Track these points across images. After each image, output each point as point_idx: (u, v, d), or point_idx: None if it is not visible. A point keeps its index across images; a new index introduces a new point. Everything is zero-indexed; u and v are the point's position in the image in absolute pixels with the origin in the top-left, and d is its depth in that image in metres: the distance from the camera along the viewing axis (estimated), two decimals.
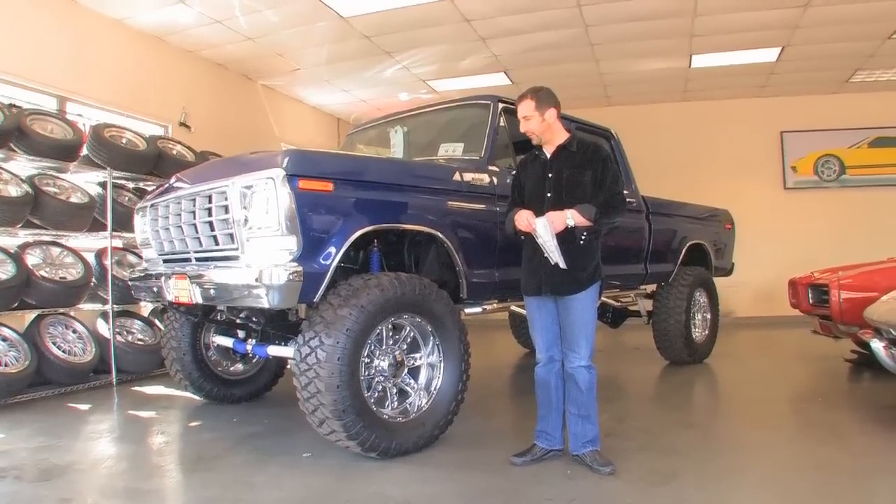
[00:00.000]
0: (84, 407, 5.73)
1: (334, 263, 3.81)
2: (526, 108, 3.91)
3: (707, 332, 7.74)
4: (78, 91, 7.60)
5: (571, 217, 3.70)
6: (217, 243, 4.11)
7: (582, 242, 3.77)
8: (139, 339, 7.00)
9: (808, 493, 3.38)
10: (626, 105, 12.46)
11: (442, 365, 4.28)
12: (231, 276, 3.88)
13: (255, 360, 5.84)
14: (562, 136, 3.95)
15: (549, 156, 3.98)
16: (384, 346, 4.06)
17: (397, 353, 4.14)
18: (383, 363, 4.06)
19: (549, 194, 3.87)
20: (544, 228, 3.69)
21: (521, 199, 4.02)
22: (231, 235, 3.97)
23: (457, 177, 4.74)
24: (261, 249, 3.83)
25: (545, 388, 3.95)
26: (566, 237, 3.74)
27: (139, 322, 7.18)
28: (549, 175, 3.92)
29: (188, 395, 5.72)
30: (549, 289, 3.83)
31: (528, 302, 4.03)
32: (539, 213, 3.77)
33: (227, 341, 5.16)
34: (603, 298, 6.82)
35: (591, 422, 3.80)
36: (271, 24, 8.50)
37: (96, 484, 3.77)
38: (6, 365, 5.66)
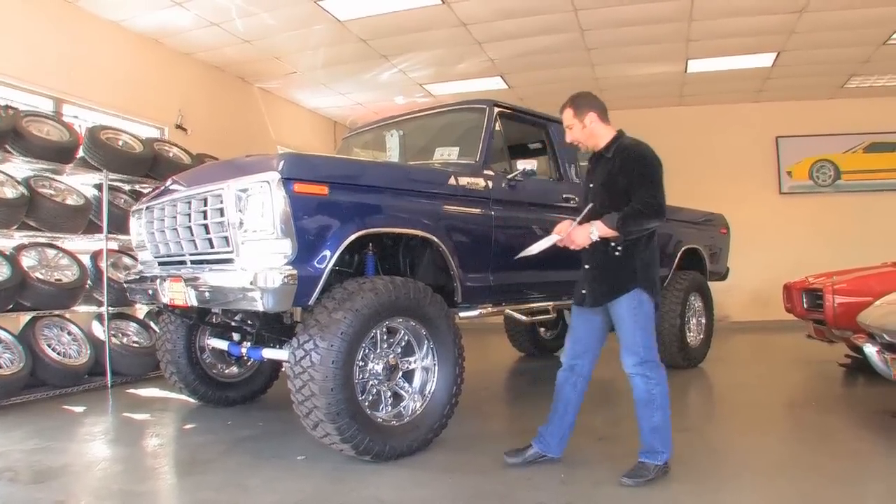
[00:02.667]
0: (79, 409, 5.72)
1: (329, 267, 3.82)
2: (566, 118, 3.86)
3: (702, 336, 7.74)
4: (74, 93, 7.60)
5: (596, 230, 3.62)
6: (212, 246, 4.12)
7: (618, 254, 3.66)
8: (134, 342, 6.99)
9: (802, 497, 3.39)
10: (622, 109, 12.39)
11: (436, 368, 4.28)
12: (226, 279, 3.88)
13: (249, 363, 5.83)
14: (605, 140, 3.83)
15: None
16: (378, 350, 4.07)
17: (391, 356, 4.15)
18: (378, 366, 4.07)
19: (590, 204, 3.80)
20: (552, 239, 3.83)
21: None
22: (226, 238, 3.98)
23: (452, 181, 4.75)
24: (256, 252, 3.83)
25: (558, 392, 3.95)
26: (600, 249, 3.71)
27: (134, 324, 7.17)
28: (591, 185, 3.89)
29: (183, 397, 5.72)
30: (590, 300, 3.80)
31: (572, 309, 4.03)
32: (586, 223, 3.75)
33: (221, 344, 5.16)
34: None
35: (645, 432, 3.67)
36: (268, 28, 8.51)
37: (90, 486, 3.76)
38: (1, 367, 5.65)
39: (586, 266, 3.84)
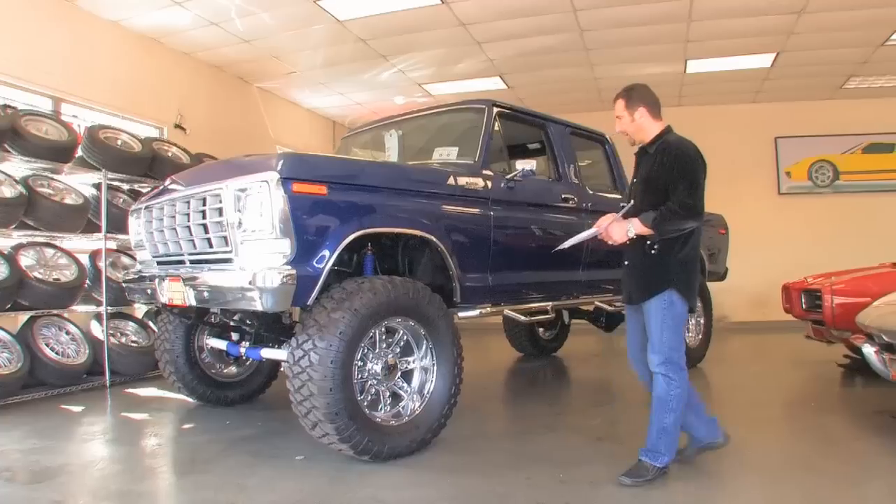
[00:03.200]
0: (77, 409, 5.71)
1: (328, 267, 3.82)
2: (617, 108, 3.84)
3: (700, 336, 7.74)
4: (73, 92, 7.59)
5: (633, 228, 3.61)
6: (211, 246, 4.11)
7: (654, 252, 3.63)
8: (133, 341, 6.99)
9: (801, 497, 3.39)
10: None
11: (435, 368, 4.29)
12: (225, 279, 3.89)
13: (248, 363, 5.83)
14: (652, 135, 3.81)
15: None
16: (377, 350, 4.07)
17: (390, 356, 4.15)
18: (376, 366, 4.07)
19: (632, 200, 3.82)
20: (591, 233, 3.86)
21: None
22: (225, 238, 3.97)
23: (451, 181, 4.76)
24: (254, 252, 3.83)
25: (648, 387, 3.89)
26: (638, 247, 3.69)
27: (133, 324, 7.17)
28: (634, 180, 3.89)
29: (181, 397, 5.71)
30: (626, 297, 3.85)
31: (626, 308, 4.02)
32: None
33: (220, 344, 5.16)
34: (596, 303, 6.83)
35: (653, 431, 3.63)
36: (267, 27, 8.50)
37: (89, 486, 3.76)
38: None
39: (626, 263, 3.85)
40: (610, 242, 3.74)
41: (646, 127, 3.79)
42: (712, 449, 3.93)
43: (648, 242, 3.63)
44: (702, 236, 3.83)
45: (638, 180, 3.82)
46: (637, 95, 3.80)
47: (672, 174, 3.57)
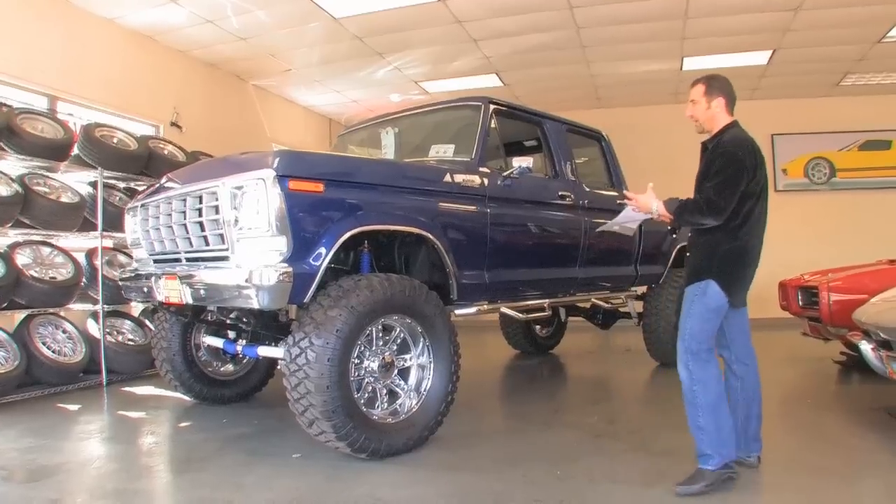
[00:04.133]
0: (74, 407, 5.71)
1: (324, 264, 3.81)
2: (695, 92, 3.79)
3: None
4: (69, 90, 7.57)
5: (657, 208, 3.67)
6: (207, 244, 4.11)
7: (674, 236, 3.60)
8: (129, 340, 6.98)
9: (797, 494, 3.39)
10: (618, 107, 12.48)
11: (432, 366, 4.29)
12: (221, 277, 3.88)
13: (245, 361, 5.83)
14: (717, 128, 3.77)
15: None
16: (374, 347, 4.07)
17: (387, 354, 4.15)
18: (373, 364, 4.06)
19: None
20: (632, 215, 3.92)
21: None
22: (221, 236, 3.97)
23: (448, 178, 4.75)
24: (251, 250, 3.83)
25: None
26: (695, 240, 3.75)
27: (129, 322, 7.16)
28: (697, 175, 3.79)
29: (178, 395, 5.70)
30: (684, 281, 3.81)
31: None
32: None
33: (217, 342, 5.15)
34: (594, 300, 6.83)
35: (692, 430, 3.50)
36: (263, 25, 8.49)
37: (85, 485, 3.76)
38: None
39: (688, 253, 3.87)
40: (635, 206, 3.82)
41: (718, 118, 3.76)
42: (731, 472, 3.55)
43: (670, 228, 3.64)
44: (758, 236, 3.72)
45: (697, 176, 3.75)
46: (718, 85, 3.78)
47: (710, 170, 3.56)
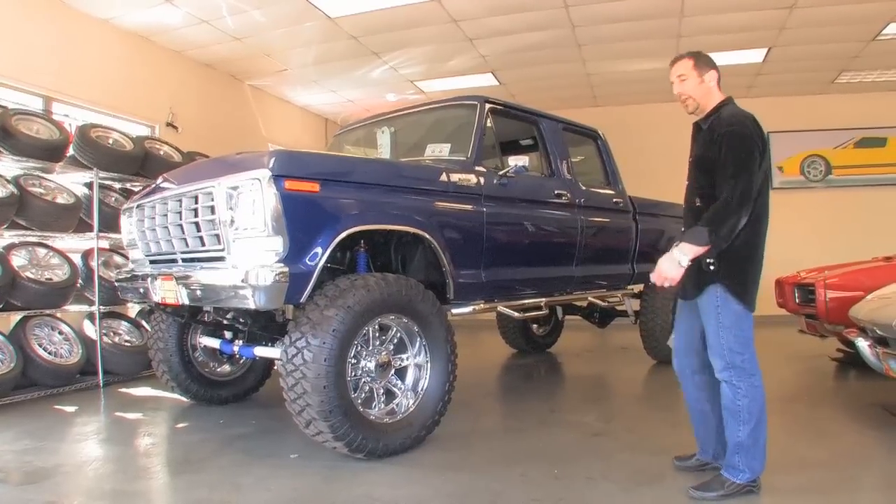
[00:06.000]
0: (70, 409, 5.69)
1: (321, 264, 3.81)
2: (682, 67, 3.46)
3: None
4: (64, 91, 7.56)
5: (684, 256, 3.17)
6: (203, 244, 4.10)
7: (713, 269, 3.25)
8: (126, 341, 6.97)
9: (794, 492, 3.39)
10: (614, 106, 12.49)
11: (429, 365, 4.28)
12: (217, 277, 3.87)
13: (242, 362, 5.82)
14: (711, 105, 3.47)
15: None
16: (371, 347, 4.07)
17: (384, 353, 4.14)
18: (370, 364, 4.06)
19: (686, 182, 3.52)
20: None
21: None
22: (217, 236, 3.97)
23: (444, 177, 4.75)
24: (247, 250, 3.82)
25: (685, 395, 3.67)
26: (690, 224, 3.35)
27: (126, 323, 7.14)
28: (690, 160, 3.50)
29: (175, 396, 5.69)
30: (682, 291, 3.52)
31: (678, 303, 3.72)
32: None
33: (213, 342, 5.15)
34: (590, 298, 6.83)
35: (729, 446, 3.32)
36: (258, 25, 8.48)
37: (82, 486, 3.75)
38: None
39: None
40: (667, 285, 3.28)
41: (713, 93, 3.47)
42: (708, 469, 3.58)
43: (707, 261, 3.24)
44: (763, 225, 3.42)
45: (692, 161, 3.47)
46: (706, 58, 3.49)
47: (720, 155, 3.21)
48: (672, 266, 3.20)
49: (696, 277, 3.32)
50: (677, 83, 3.51)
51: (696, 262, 3.25)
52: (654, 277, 3.32)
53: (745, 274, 3.30)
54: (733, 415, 3.28)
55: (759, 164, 3.20)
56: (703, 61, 3.48)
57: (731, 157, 3.17)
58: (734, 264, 3.27)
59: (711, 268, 3.24)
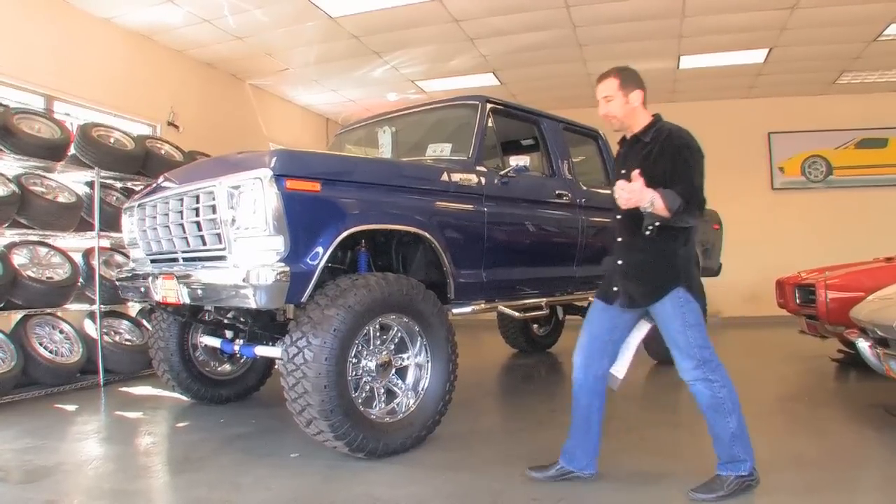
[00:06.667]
0: (71, 408, 5.70)
1: (322, 264, 3.81)
2: (608, 87, 3.45)
3: None
4: (65, 90, 7.56)
5: (653, 199, 3.10)
6: (204, 243, 4.10)
7: (648, 233, 3.25)
8: (126, 340, 6.97)
9: (794, 492, 3.39)
10: None
11: (429, 365, 4.28)
12: (218, 277, 3.87)
13: (242, 361, 5.83)
14: (643, 123, 3.46)
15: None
16: (372, 347, 4.06)
17: (385, 353, 4.14)
18: (371, 363, 4.06)
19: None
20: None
21: None
22: (218, 235, 3.97)
23: (445, 177, 4.75)
24: (248, 249, 3.83)
25: (574, 399, 3.62)
26: (637, 245, 3.37)
27: (126, 322, 7.14)
28: (622, 172, 3.41)
29: (175, 395, 5.70)
30: (625, 300, 3.41)
31: (593, 304, 3.66)
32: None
33: (214, 341, 5.15)
34: (591, 298, 6.81)
35: (723, 441, 3.32)
36: (260, 24, 8.48)
37: (83, 485, 3.75)
38: None
39: (619, 262, 3.46)
40: (620, 200, 3.21)
41: (639, 112, 3.47)
42: (571, 478, 3.55)
43: (646, 224, 3.23)
44: (695, 234, 3.50)
45: (628, 172, 3.30)
46: (632, 77, 3.48)
47: (677, 163, 3.22)
48: (642, 196, 3.11)
49: (655, 282, 3.33)
50: (603, 103, 3.50)
51: (650, 270, 3.34)
52: (620, 191, 3.22)
53: (696, 277, 3.41)
54: (717, 409, 3.31)
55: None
56: (628, 81, 3.47)
57: (688, 167, 3.23)
58: (689, 267, 3.37)
59: (647, 233, 3.25)
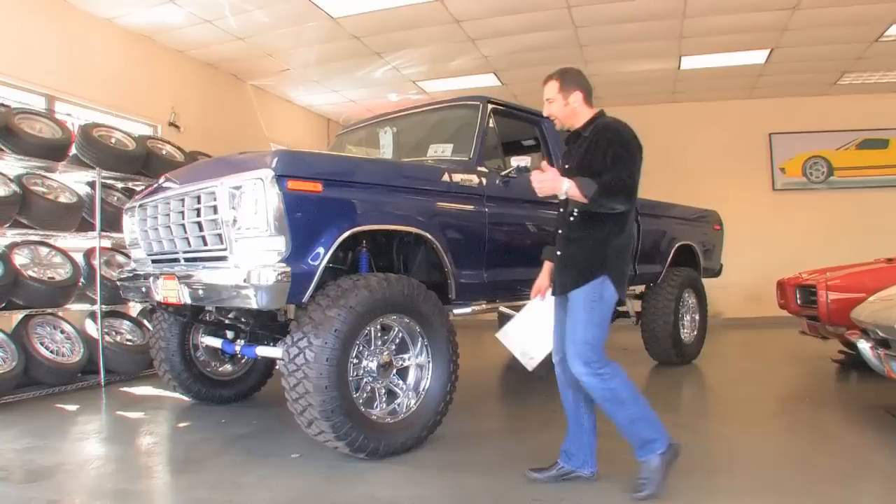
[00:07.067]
0: (72, 408, 5.70)
1: (323, 264, 3.81)
2: (549, 90, 3.57)
3: (695, 332, 7.76)
4: (67, 90, 7.56)
5: (567, 186, 3.25)
6: (206, 244, 4.10)
7: (572, 219, 3.42)
8: (127, 340, 6.98)
9: (796, 493, 3.39)
10: (615, 106, 12.27)
11: (430, 365, 4.28)
12: (219, 277, 3.88)
13: (243, 361, 5.83)
14: (584, 119, 3.55)
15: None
16: (373, 347, 4.07)
17: (386, 353, 4.14)
18: (372, 364, 4.06)
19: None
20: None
21: None
22: (220, 236, 3.97)
23: (445, 177, 4.75)
24: (249, 250, 3.83)
25: (562, 397, 3.64)
26: (565, 220, 3.49)
27: (128, 322, 7.15)
28: (566, 166, 3.53)
29: (176, 395, 5.70)
30: (558, 287, 3.55)
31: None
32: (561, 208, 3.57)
33: (215, 342, 5.14)
34: None
35: (626, 427, 3.40)
36: (261, 25, 8.49)
37: (84, 485, 3.75)
38: None
39: (558, 252, 3.56)
40: (536, 189, 3.40)
41: (578, 112, 3.55)
42: (572, 478, 3.59)
43: (571, 213, 3.43)
44: (633, 224, 3.62)
45: (571, 165, 3.49)
46: (573, 79, 3.57)
47: (608, 153, 3.33)
48: (555, 182, 3.30)
49: (580, 269, 3.41)
50: (546, 105, 3.64)
51: (578, 257, 3.43)
52: (535, 181, 3.40)
53: (624, 269, 3.49)
54: (612, 400, 3.36)
55: (639, 168, 3.40)
56: (569, 83, 3.56)
57: (619, 157, 3.32)
58: (617, 260, 3.43)
59: (571, 218, 3.43)
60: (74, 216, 6.66)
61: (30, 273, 6.09)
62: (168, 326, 5.41)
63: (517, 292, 5.54)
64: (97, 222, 6.67)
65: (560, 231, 3.59)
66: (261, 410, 5.50)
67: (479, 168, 5.06)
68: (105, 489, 3.66)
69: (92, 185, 6.83)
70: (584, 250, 3.43)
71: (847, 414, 5.19)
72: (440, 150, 5.26)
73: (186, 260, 4.36)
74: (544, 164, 3.38)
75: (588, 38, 9.20)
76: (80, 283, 6.60)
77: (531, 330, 3.81)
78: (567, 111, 3.57)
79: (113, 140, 7.12)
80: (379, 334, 4.11)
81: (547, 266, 3.77)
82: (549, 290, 3.72)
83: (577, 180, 3.26)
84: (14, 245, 6.23)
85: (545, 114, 3.70)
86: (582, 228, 3.44)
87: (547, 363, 3.78)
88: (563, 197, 3.36)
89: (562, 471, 3.59)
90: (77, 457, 4.32)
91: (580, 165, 3.45)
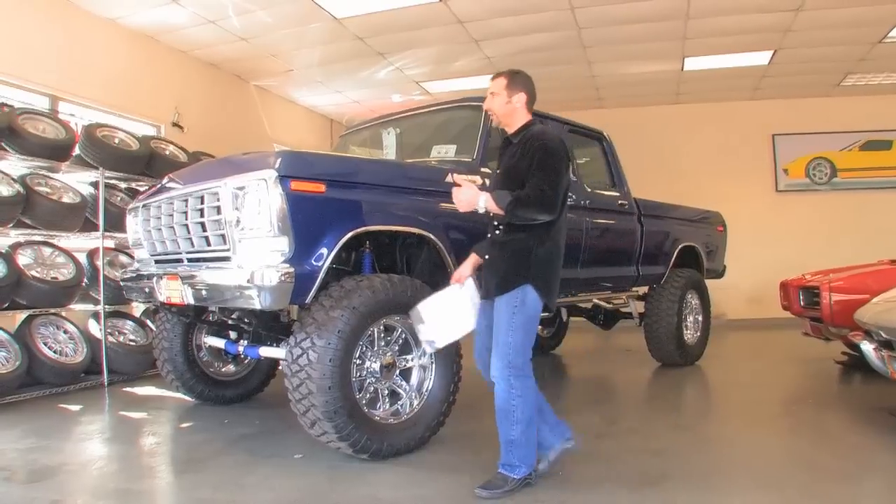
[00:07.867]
0: (75, 408, 5.71)
1: (326, 265, 3.81)
2: (496, 85, 3.63)
3: (699, 334, 7.76)
4: (70, 90, 7.57)
5: (484, 202, 3.39)
6: (209, 244, 4.11)
7: (497, 227, 3.51)
8: (131, 340, 6.98)
9: (799, 494, 3.38)
10: (619, 107, 12.47)
11: (433, 367, 4.28)
12: (223, 277, 3.88)
13: (246, 362, 5.83)
14: (518, 124, 3.65)
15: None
16: (376, 348, 4.07)
17: (389, 354, 4.15)
18: (375, 364, 4.06)
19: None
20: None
21: None
22: (223, 236, 3.97)
23: (449, 178, 4.74)
24: (252, 250, 3.83)
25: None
26: (489, 223, 3.60)
27: (131, 322, 7.16)
28: (497, 171, 3.71)
29: (179, 395, 5.70)
30: (483, 291, 3.66)
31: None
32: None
33: (218, 342, 5.15)
34: (595, 300, 6.82)
35: (503, 444, 3.48)
36: (264, 25, 8.49)
37: (87, 485, 3.76)
38: None
39: (486, 256, 3.63)
40: (456, 204, 3.52)
41: (517, 114, 3.63)
42: (564, 453, 3.72)
43: (496, 223, 3.52)
44: (564, 234, 3.64)
45: (500, 171, 3.67)
46: (521, 81, 3.64)
47: (532, 163, 3.39)
48: (472, 198, 3.43)
49: (505, 276, 3.47)
50: (488, 98, 3.69)
51: (502, 263, 3.49)
52: (454, 194, 3.52)
53: (551, 278, 3.52)
54: (506, 414, 3.44)
55: (565, 178, 3.46)
56: (516, 83, 3.63)
57: (542, 167, 3.38)
58: (542, 267, 3.47)
59: (497, 232, 3.52)
60: (78, 216, 6.66)
61: (33, 273, 6.10)
62: (171, 327, 5.42)
63: None
64: (100, 222, 6.67)
65: (490, 236, 3.65)
66: (263, 411, 5.50)
67: (483, 169, 5.05)
68: (108, 489, 3.67)
69: (95, 185, 6.83)
70: (507, 258, 3.49)
71: (850, 415, 5.18)
72: (444, 151, 5.26)
73: (190, 260, 4.36)
74: (457, 177, 3.47)
75: (591, 39, 9.19)
76: (84, 284, 6.61)
77: (441, 315, 3.81)
78: (507, 109, 3.63)
79: (116, 140, 7.13)
80: (382, 335, 4.11)
81: (472, 258, 3.82)
82: (468, 280, 3.79)
83: (493, 194, 3.41)
84: (17, 245, 6.24)
85: (485, 107, 3.77)
86: (507, 236, 3.52)
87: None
88: (481, 212, 3.45)
89: (546, 456, 3.66)
90: (80, 457, 4.33)
91: (507, 172, 3.58)
